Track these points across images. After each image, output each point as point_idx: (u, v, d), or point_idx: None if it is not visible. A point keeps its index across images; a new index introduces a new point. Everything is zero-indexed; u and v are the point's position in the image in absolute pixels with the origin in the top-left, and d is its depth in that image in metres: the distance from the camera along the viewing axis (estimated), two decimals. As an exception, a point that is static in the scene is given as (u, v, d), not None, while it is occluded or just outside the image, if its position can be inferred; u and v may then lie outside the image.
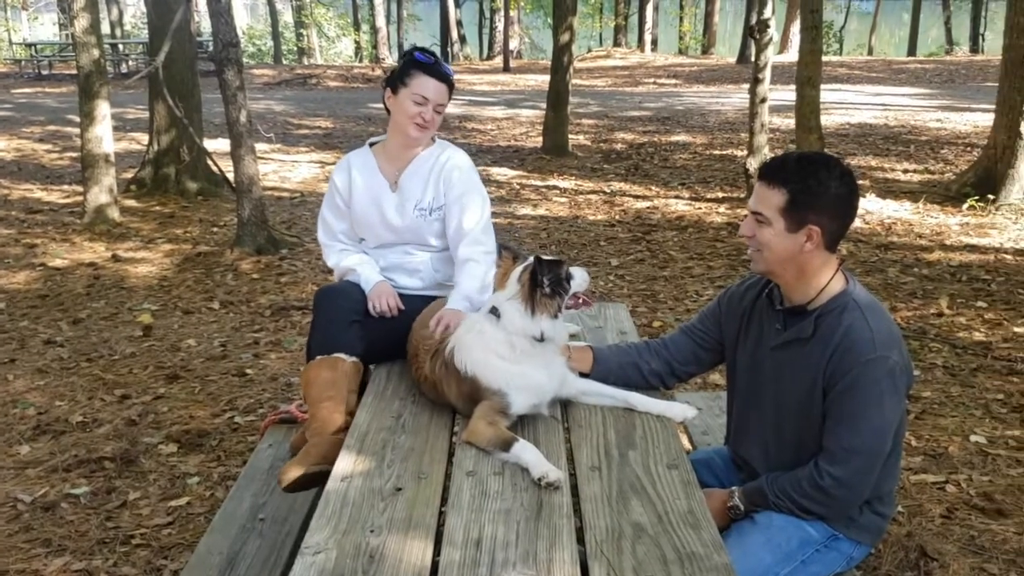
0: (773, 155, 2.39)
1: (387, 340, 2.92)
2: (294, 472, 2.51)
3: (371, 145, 3.24)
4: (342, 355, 2.81)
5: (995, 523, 3.52)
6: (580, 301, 2.59)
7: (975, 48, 30.59)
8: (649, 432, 2.42)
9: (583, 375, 2.63)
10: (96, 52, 8.47)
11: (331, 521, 1.99)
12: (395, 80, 3.03)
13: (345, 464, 2.27)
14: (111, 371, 5.29)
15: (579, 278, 2.55)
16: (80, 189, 9.03)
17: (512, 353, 2.44)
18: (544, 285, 2.43)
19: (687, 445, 3.55)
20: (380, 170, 3.16)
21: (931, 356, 5.14)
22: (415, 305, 2.98)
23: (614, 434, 2.40)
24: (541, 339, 2.43)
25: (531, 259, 2.49)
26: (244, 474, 3.11)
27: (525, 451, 2.21)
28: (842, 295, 2.29)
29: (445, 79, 3.01)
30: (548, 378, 2.47)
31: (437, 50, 31.52)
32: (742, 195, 9.24)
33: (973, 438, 4.19)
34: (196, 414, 4.70)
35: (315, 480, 2.51)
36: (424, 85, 2.97)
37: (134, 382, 5.13)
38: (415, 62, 2.99)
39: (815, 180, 2.22)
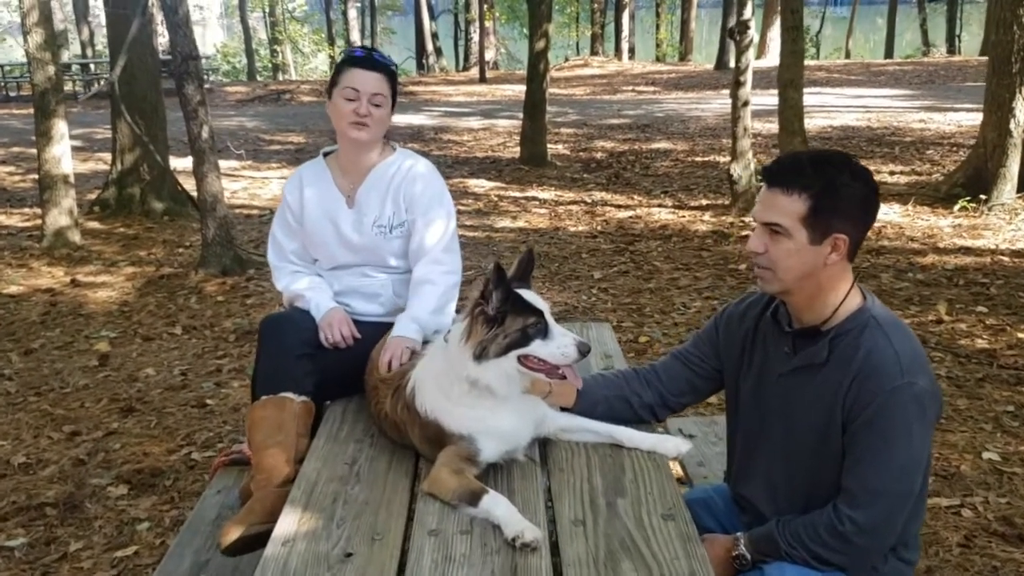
0: (775, 158, 2.07)
1: (342, 374, 2.60)
2: (234, 533, 2.18)
3: (325, 155, 2.93)
4: (290, 394, 2.49)
5: (1017, 551, 3.24)
6: (548, 368, 2.06)
7: (952, 49, 30.62)
8: (640, 474, 2.11)
9: (565, 410, 2.32)
10: (51, 69, 8.10)
11: (266, 599, 1.67)
12: (330, 86, 2.73)
13: (288, 524, 1.95)
14: (61, 405, 4.93)
15: (558, 345, 2.03)
16: (40, 212, 8.65)
17: (457, 394, 2.09)
18: (489, 300, 2.03)
19: (680, 473, 3.24)
20: (335, 183, 2.85)
21: (933, 367, 4.85)
22: (374, 334, 2.65)
23: (600, 479, 2.08)
24: (475, 384, 2.05)
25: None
26: (187, 526, 2.76)
27: (497, 505, 1.89)
28: (860, 313, 1.99)
29: (379, 68, 2.71)
30: (520, 421, 2.13)
31: (413, 63, 31.27)
32: (726, 202, 8.97)
33: (986, 455, 3.91)
34: (150, 451, 4.35)
35: (260, 541, 2.17)
36: (353, 77, 2.68)
37: (85, 417, 4.78)
38: (344, 59, 2.73)
39: (841, 182, 1.92)
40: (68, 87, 20.86)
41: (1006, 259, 6.73)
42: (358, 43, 28.66)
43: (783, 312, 2.11)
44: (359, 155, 2.79)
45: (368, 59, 2.69)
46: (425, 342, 2.57)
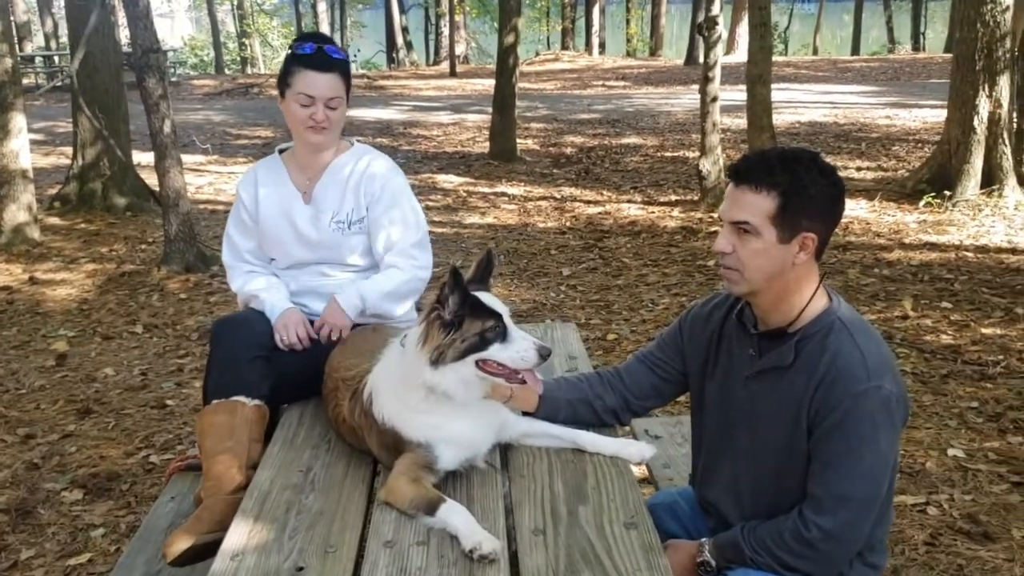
0: (742, 156, 2.02)
1: (298, 377, 2.52)
2: (182, 543, 2.10)
3: (281, 152, 2.85)
4: (242, 398, 2.40)
5: (983, 548, 3.23)
6: (508, 372, 2.00)
7: (917, 46, 30.95)
8: (603, 480, 2.05)
9: (527, 414, 2.26)
10: (8, 61, 7.91)
11: (211, 618, 1.60)
12: (281, 82, 2.65)
13: (237, 536, 1.87)
14: (16, 407, 4.81)
15: (517, 349, 1.97)
16: (-3, 207, 8.44)
17: (414, 401, 2.03)
18: (445, 305, 1.97)
19: (646, 475, 3.20)
20: (291, 179, 2.77)
21: (899, 362, 4.87)
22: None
23: (562, 486, 2.03)
24: (433, 390, 1.99)
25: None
26: (139, 534, 2.67)
27: (454, 514, 1.84)
28: (826, 314, 1.95)
29: (333, 67, 2.61)
30: (480, 428, 2.07)
31: (383, 57, 30.92)
32: (695, 197, 8.97)
33: (951, 452, 3.91)
34: (107, 453, 4.25)
35: (209, 551, 2.09)
36: (307, 82, 2.59)
37: (41, 419, 4.66)
38: (294, 57, 2.62)
39: (810, 180, 1.88)
40: (30, 80, 20.46)
41: (970, 255, 6.77)
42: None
43: (748, 313, 2.07)
44: (316, 153, 2.72)
45: (320, 58, 2.59)
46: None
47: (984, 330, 5.29)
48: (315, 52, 2.59)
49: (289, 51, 2.65)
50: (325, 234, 2.71)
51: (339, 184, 2.72)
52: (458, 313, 1.95)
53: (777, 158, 1.92)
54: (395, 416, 2.04)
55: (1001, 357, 4.86)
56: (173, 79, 22.62)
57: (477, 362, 1.98)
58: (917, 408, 4.33)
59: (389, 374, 2.10)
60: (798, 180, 1.88)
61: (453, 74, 25.07)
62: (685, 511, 2.34)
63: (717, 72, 8.47)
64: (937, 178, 8.31)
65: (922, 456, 3.89)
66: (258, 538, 1.86)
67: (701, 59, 10.18)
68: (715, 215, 8.26)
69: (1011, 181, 7.96)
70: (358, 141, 2.85)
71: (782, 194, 1.88)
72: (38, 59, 23.33)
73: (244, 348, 2.48)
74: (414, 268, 2.73)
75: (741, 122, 10.81)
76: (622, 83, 22.23)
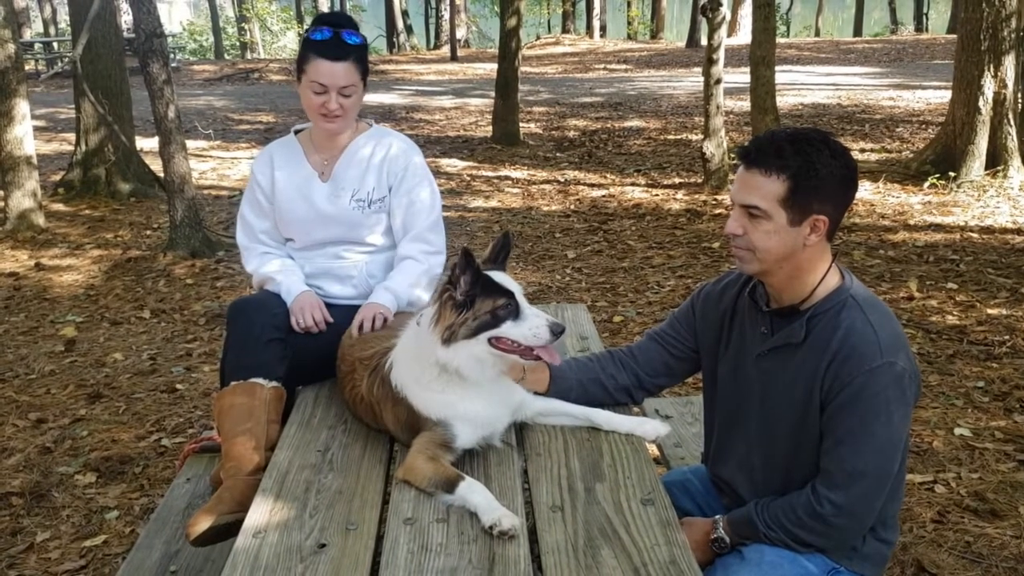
0: (752, 138, 2.02)
1: (314, 359, 2.54)
2: (203, 523, 2.12)
3: (296, 133, 2.85)
4: (260, 379, 2.42)
5: (990, 526, 3.26)
6: (522, 349, 2.01)
7: (920, 27, 30.83)
8: (618, 458, 2.08)
9: (539, 395, 2.28)
10: (11, 47, 7.90)
11: (236, 594, 1.62)
12: (297, 67, 2.65)
13: (259, 514, 1.90)
14: (27, 392, 4.83)
15: (530, 326, 1.98)
16: (2, 194, 8.46)
17: (427, 379, 2.05)
18: (457, 286, 1.98)
19: (656, 454, 3.22)
20: (307, 160, 2.77)
21: (905, 343, 4.89)
22: (346, 317, 2.59)
23: (578, 463, 2.05)
24: (445, 368, 2.01)
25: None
26: (157, 515, 2.71)
27: (473, 492, 1.86)
28: (838, 292, 1.96)
29: (348, 54, 2.57)
30: (496, 407, 2.09)
31: (383, 41, 30.70)
32: (699, 180, 8.96)
33: (958, 431, 3.94)
34: (119, 437, 4.27)
35: (230, 531, 2.12)
36: (319, 70, 2.55)
37: (52, 404, 4.68)
38: (309, 43, 2.58)
39: (821, 162, 1.88)
40: (30, 66, 20.41)
41: (975, 235, 6.78)
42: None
43: (761, 292, 2.08)
44: (332, 136, 2.72)
45: (335, 45, 2.55)
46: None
47: (990, 310, 5.31)
48: (330, 39, 2.55)
49: (305, 34, 2.63)
50: (344, 211, 2.70)
51: (360, 164, 2.72)
52: (470, 293, 1.98)
53: (787, 140, 1.91)
54: (412, 394, 2.07)
55: (1007, 337, 4.88)
56: (173, 64, 22.54)
57: (490, 340, 2.00)
58: (923, 388, 4.34)
59: (408, 352, 2.12)
60: (809, 163, 1.88)
61: (454, 58, 25.00)
62: (698, 489, 2.36)
63: (721, 54, 8.44)
64: (942, 159, 8.31)
65: (929, 435, 3.91)
66: (279, 516, 1.88)
67: (703, 41, 10.17)
68: (719, 197, 8.27)
69: (1016, 162, 7.96)
70: (375, 123, 2.85)
71: (792, 177, 1.88)
72: (37, 45, 23.25)
73: (260, 330, 2.49)
74: (429, 256, 2.74)
75: (744, 104, 10.82)
76: (624, 66, 22.16)
